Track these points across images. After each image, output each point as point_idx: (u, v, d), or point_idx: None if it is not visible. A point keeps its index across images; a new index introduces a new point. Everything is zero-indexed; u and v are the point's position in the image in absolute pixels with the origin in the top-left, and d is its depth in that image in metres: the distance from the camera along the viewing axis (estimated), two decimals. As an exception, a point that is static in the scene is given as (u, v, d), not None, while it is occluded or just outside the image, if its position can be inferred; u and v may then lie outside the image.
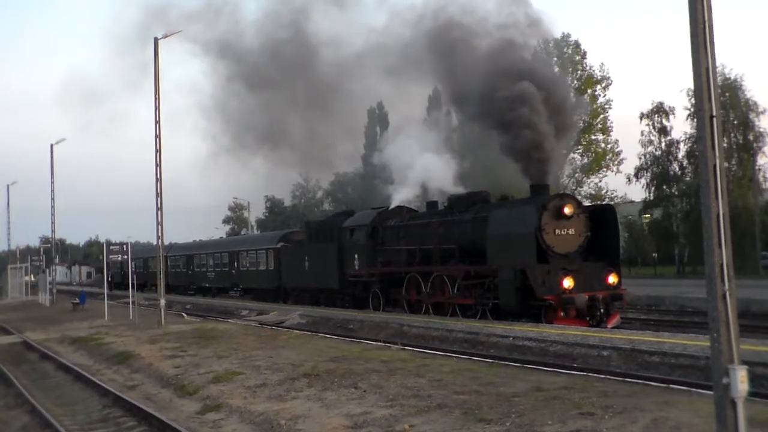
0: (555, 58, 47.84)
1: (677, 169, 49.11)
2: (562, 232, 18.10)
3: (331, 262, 27.04)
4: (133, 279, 30.88)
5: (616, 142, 48.54)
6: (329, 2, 35.93)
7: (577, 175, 48.63)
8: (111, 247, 30.41)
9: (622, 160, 48.43)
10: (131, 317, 26.77)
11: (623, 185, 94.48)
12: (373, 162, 36.20)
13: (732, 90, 44.80)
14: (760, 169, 45.81)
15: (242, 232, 78.19)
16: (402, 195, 26.28)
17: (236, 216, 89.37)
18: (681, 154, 48.76)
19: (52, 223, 44.40)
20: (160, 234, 25.22)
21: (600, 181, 48.85)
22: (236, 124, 37.56)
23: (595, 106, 48.07)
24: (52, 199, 43.44)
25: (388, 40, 28.06)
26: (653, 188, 49.54)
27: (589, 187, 48.73)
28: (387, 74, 30.22)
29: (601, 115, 48.21)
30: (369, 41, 30.56)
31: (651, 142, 49.22)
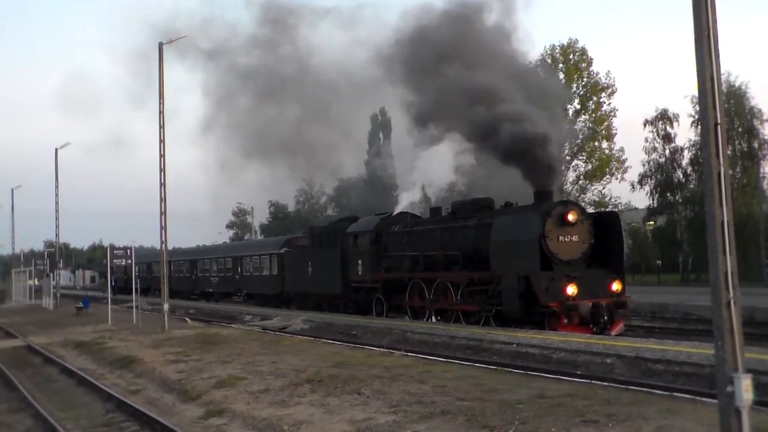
0: (560, 65, 47.91)
1: (681, 176, 49.02)
2: (566, 239, 18.08)
3: (335, 267, 27.03)
4: (136, 283, 30.84)
5: (621, 149, 48.57)
6: (315, 17, 36.12)
7: (581, 181, 48.62)
8: (115, 252, 30.43)
9: (627, 168, 48.44)
10: (135, 322, 26.79)
11: (627, 192, 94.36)
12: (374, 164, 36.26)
13: (737, 97, 44.72)
14: (764, 177, 45.73)
15: (246, 237, 78.24)
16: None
17: (240, 221, 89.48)
18: (685, 162, 48.70)
19: (56, 227, 44.49)
20: (163, 238, 25.26)
21: (604, 188, 48.86)
22: (235, 132, 37.69)
23: (600, 113, 48.08)
24: (56, 203, 43.54)
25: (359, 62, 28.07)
26: (657, 195, 49.46)
27: (593, 194, 48.72)
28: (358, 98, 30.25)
29: (606, 122, 48.18)
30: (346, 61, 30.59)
31: (655, 149, 49.17)
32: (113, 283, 42.39)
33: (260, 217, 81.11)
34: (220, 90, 36.82)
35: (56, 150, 43.94)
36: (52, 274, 47.42)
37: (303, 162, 39.88)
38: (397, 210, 27.34)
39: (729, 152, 35.46)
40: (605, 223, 18.92)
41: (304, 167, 43.27)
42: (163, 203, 24.51)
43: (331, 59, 32.83)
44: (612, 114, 48.22)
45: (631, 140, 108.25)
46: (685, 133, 73.42)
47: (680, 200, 48.82)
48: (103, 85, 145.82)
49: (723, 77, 6.54)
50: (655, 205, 49.98)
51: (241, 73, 34.02)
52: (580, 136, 47.42)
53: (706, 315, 21.41)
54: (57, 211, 43.71)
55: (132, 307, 28.82)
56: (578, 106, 48.00)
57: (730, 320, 6.03)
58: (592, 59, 48.50)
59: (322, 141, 35.34)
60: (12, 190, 57.68)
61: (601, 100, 48.18)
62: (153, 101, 24.92)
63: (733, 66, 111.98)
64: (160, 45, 24.59)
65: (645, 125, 49.23)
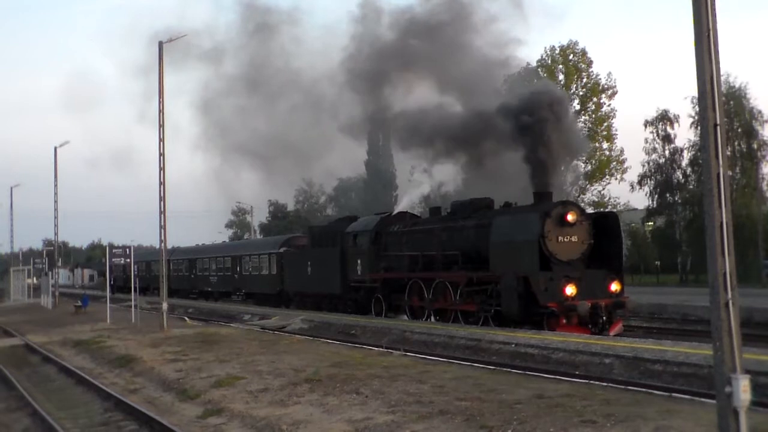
0: (560, 66, 47.89)
1: (681, 177, 48.97)
2: (565, 240, 18.09)
3: (334, 267, 27.04)
4: (135, 282, 30.85)
5: (621, 150, 48.57)
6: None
7: (580, 182, 48.59)
8: (114, 251, 30.43)
9: (626, 168, 48.44)
10: (133, 321, 26.79)
11: (626, 193, 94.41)
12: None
13: (736, 98, 44.68)
14: (763, 178, 45.63)
15: (245, 237, 78.21)
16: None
17: (239, 220, 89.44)
18: (684, 162, 48.62)
19: (55, 225, 44.46)
20: (162, 237, 25.26)
21: (603, 188, 48.85)
22: (230, 135, 37.74)
23: (600, 113, 48.07)
24: (56, 201, 43.49)
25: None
26: (656, 196, 49.44)
27: (593, 195, 48.71)
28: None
29: (606, 123, 48.18)
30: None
31: (655, 149, 49.14)
32: (112, 282, 42.45)
33: (259, 216, 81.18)
34: (212, 94, 36.92)
35: (55, 148, 43.95)
36: (50, 273, 47.41)
37: (299, 163, 39.89)
38: (397, 210, 27.35)
39: (728, 153, 35.41)
40: (604, 224, 18.93)
41: (301, 168, 43.29)
42: (162, 202, 24.51)
43: (324, 66, 32.95)
44: (612, 115, 48.28)
45: (632, 141, 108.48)
46: (684, 134, 73.48)
47: (679, 201, 48.79)
48: (103, 84, 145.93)
49: (723, 78, 6.53)
50: (655, 206, 49.96)
51: (233, 77, 34.11)
52: (581, 136, 47.34)
53: (704, 316, 21.42)
54: (56, 209, 43.69)
55: (131, 306, 28.82)
56: (578, 107, 47.98)
57: (728, 321, 6.04)
58: (592, 60, 48.57)
59: (318, 142, 35.29)
60: (11, 189, 57.65)
61: (602, 101, 48.21)
62: (153, 103, 24.98)
63: (732, 67, 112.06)
64: (160, 44, 24.61)
65: (645, 126, 49.25)
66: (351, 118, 26.20)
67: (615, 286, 18.31)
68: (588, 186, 48.68)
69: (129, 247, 30.55)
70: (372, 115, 25.90)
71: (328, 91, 28.62)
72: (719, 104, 6.23)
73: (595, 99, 47.93)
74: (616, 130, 48.54)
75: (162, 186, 24.44)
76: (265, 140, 34.74)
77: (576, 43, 48.53)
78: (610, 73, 54.93)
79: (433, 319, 21.94)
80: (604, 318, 17.62)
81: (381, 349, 16.96)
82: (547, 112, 18.96)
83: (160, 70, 24.53)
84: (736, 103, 44.48)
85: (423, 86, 24.64)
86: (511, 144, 20.17)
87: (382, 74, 24.28)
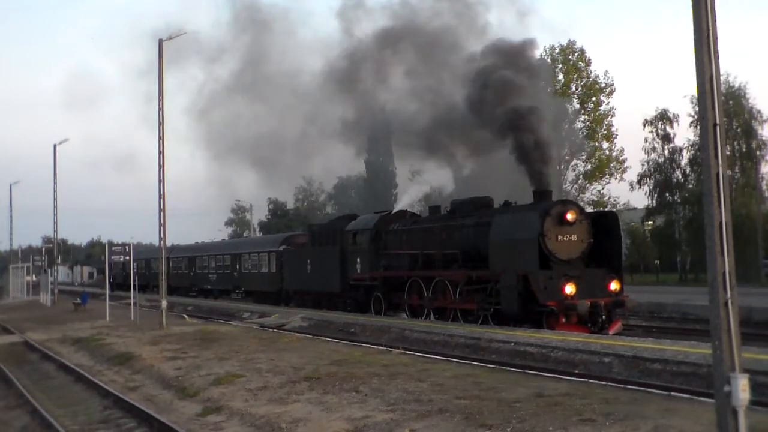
0: (560, 65, 47.92)
1: (680, 176, 48.97)
2: (565, 239, 18.09)
3: (333, 265, 27.05)
4: (134, 280, 30.86)
5: (621, 150, 48.61)
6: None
7: (580, 181, 48.64)
8: (113, 248, 30.43)
9: (626, 168, 48.47)
10: (133, 318, 26.79)
11: (626, 192, 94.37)
12: None
13: (736, 98, 44.70)
14: (763, 178, 45.68)
15: (245, 235, 78.19)
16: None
17: (239, 218, 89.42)
18: (684, 162, 48.65)
19: (55, 223, 44.48)
20: (162, 235, 25.27)
21: (603, 188, 48.88)
22: (228, 130, 37.76)
23: (598, 113, 48.10)
24: (55, 199, 43.52)
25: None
26: (656, 195, 49.44)
27: (592, 194, 48.75)
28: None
29: (605, 122, 48.21)
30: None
31: (654, 149, 49.14)
32: (111, 280, 42.46)
33: (259, 214, 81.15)
34: (210, 94, 37.02)
35: (55, 146, 43.98)
36: (50, 270, 47.40)
37: (298, 161, 39.92)
38: (397, 208, 27.36)
39: (728, 153, 35.46)
40: (604, 223, 18.94)
41: (300, 167, 43.34)
42: (162, 200, 24.51)
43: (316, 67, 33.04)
44: (611, 114, 48.30)
45: (631, 140, 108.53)
46: (684, 133, 73.56)
47: (679, 200, 48.80)
48: (104, 83, 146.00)
49: (722, 78, 6.55)
50: (654, 205, 49.96)
51: (231, 76, 34.17)
52: (580, 135, 47.41)
53: (703, 315, 21.42)
54: (56, 207, 43.73)
55: (130, 304, 28.83)
56: (577, 106, 48.03)
57: (727, 320, 6.05)
58: (590, 60, 48.62)
59: (315, 142, 35.28)
60: (10, 186, 57.75)
61: (600, 99, 48.22)
62: (154, 104, 24.99)
63: (732, 67, 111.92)
64: (160, 41, 24.60)
65: (645, 125, 49.23)
66: (338, 120, 26.28)
67: (614, 285, 18.32)
68: (587, 185, 48.75)
69: (128, 245, 30.52)
70: (358, 116, 25.87)
71: (318, 96, 28.79)
72: (719, 104, 6.24)
73: (594, 98, 47.99)
74: (616, 130, 48.70)
75: (161, 184, 24.45)
76: (264, 139, 34.77)
77: (574, 43, 48.68)
78: (607, 71, 55.06)
79: (432, 317, 21.95)
80: (604, 317, 17.62)
81: (380, 347, 16.97)
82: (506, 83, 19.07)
83: (159, 67, 24.55)
84: (735, 102, 44.50)
85: (403, 66, 24.65)
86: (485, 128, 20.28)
87: (361, 61, 24.27)
